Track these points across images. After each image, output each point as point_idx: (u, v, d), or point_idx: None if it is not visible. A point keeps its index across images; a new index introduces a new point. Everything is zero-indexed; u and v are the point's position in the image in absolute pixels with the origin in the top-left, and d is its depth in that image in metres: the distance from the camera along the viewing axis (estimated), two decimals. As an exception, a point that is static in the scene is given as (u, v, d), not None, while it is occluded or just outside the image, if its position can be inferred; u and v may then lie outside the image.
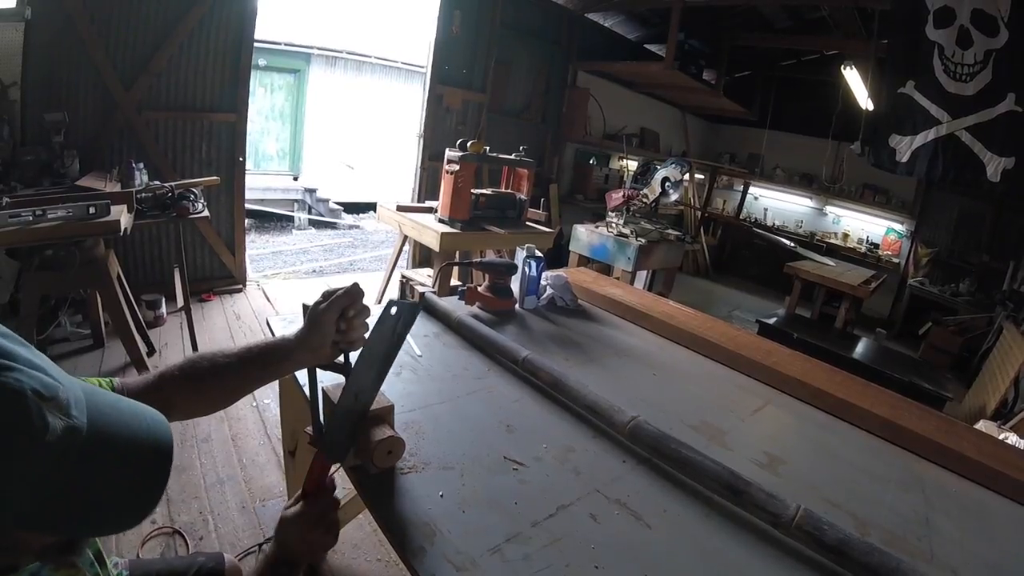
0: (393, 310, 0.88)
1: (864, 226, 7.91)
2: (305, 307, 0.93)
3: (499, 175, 3.97)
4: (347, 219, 8.56)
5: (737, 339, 1.91)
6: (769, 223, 8.73)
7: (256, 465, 2.32)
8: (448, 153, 3.27)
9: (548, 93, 6.32)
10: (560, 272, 2.06)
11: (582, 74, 6.49)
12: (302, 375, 1.00)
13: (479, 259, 1.77)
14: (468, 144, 3.29)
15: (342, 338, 0.90)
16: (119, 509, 0.54)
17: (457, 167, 3.19)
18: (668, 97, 7.79)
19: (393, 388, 1.22)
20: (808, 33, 6.37)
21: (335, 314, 0.89)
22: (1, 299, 2.72)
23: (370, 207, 8.20)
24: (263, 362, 0.90)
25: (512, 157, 3.57)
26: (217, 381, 0.89)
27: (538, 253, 1.89)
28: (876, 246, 7.71)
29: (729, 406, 1.49)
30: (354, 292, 0.90)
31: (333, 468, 0.91)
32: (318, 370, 0.95)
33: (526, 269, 1.86)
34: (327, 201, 8.68)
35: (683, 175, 4.77)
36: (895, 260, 7.36)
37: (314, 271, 5.97)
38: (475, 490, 0.97)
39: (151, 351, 3.16)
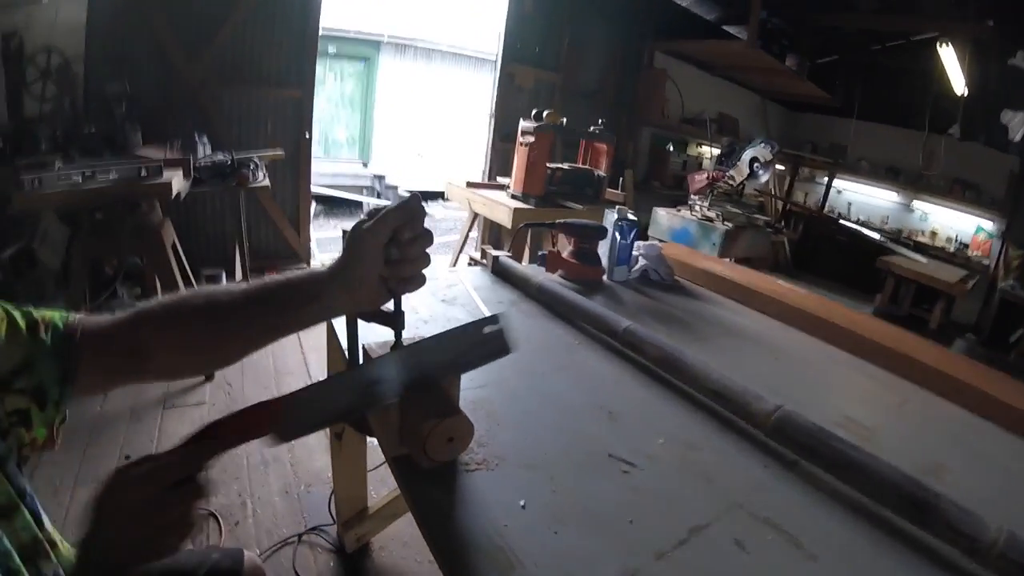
0: (491, 328, 0.67)
1: (953, 223, 7.22)
2: (344, 232, 0.67)
3: (574, 155, 3.70)
4: (418, 207, 8.47)
5: (860, 323, 1.56)
6: (853, 218, 8.11)
7: (305, 447, 2.12)
8: (522, 124, 3.03)
9: (623, 74, 6.00)
10: (654, 242, 1.75)
11: (659, 55, 6.13)
12: (341, 327, 0.75)
13: (564, 221, 1.48)
14: (544, 114, 3.03)
15: (392, 272, 0.62)
16: None
17: (532, 138, 2.95)
18: (747, 81, 7.31)
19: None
20: (898, 12, 5.78)
21: (384, 237, 0.61)
22: (53, 265, 2.66)
23: (439, 195, 8.14)
24: (280, 304, 0.64)
25: (590, 130, 3.29)
26: (212, 324, 0.64)
27: (631, 216, 1.58)
28: (965, 245, 7.02)
29: (867, 400, 1.19)
30: (412, 207, 0.62)
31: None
32: (361, 322, 0.70)
33: (617, 235, 1.56)
34: (396, 188, 8.62)
35: (773, 155, 4.37)
36: (984, 261, 6.62)
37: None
38: (571, 500, 0.68)
39: (208, 326, 3.05)
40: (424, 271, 0.64)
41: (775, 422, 0.85)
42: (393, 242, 0.61)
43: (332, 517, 1.74)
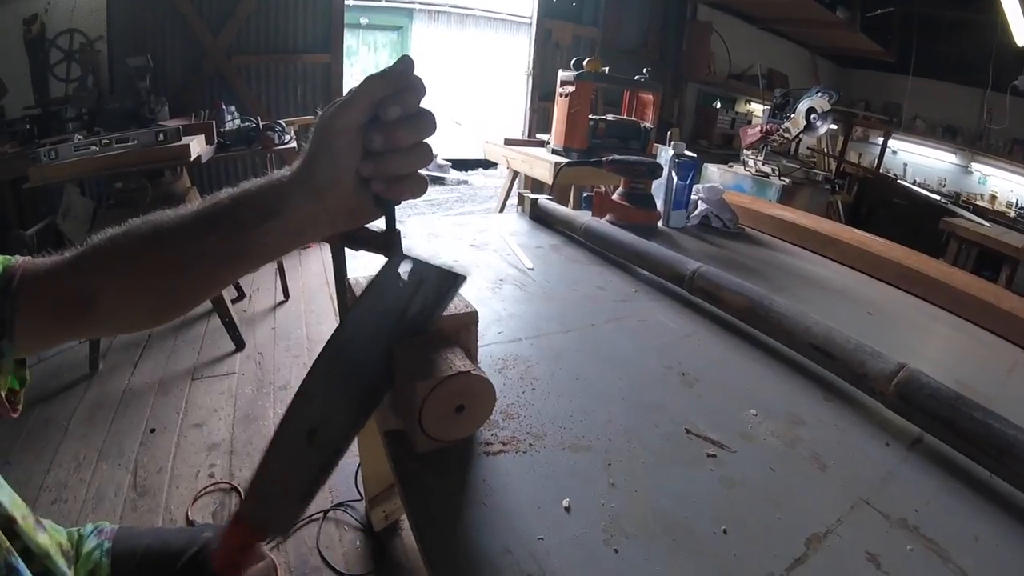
0: (404, 269, 0.46)
1: (1013, 187, 6.80)
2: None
3: (618, 108, 3.45)
4: (455, 175, 8.30)
5: (954, 277, 1.32)
6: (909, 180, 7.63)
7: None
8: (561, 74, 2.84)
9: (666, 28, 5.73)
10: (715, 184, 1.52)
11: (702, 7, 5.83)
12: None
13: (612, 157, 1.26)
14: (584, 62, 2.81)
15: (376, 169, 0.43)
16: None
17: (572, 88, 2.74)
18: (795, 35, 6.93)
19: (485, 305, 0.76)
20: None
21: (360, 116, 0.42)
22: (78, 239, 2.62)
23: (479, 163, 7.96)
24: (234, 224, 0.46)
25: (635, 78, 3.04)
26: (159, 257, 0.47)
27: (689, 153, 1.35)
28: (1026, 211, 6.65)
29: (973, 364, 0.99)
30: (399, 72, 0.42)
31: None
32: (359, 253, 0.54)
33: (673, 175, 1.33)
34: (435, 157, 8.43)
35: (831, 105, 4.01)
36: (1047, 228, 6.19)
37: (420, 224, 5.78)
38: (638, 498, 0.49)
39: (240, 295, 2.99)
40: (424, 171, 0.45)
41: (898, 386, 0.63)
42: (375, 125, 0.42)
43: (359, 492, 1.62)
